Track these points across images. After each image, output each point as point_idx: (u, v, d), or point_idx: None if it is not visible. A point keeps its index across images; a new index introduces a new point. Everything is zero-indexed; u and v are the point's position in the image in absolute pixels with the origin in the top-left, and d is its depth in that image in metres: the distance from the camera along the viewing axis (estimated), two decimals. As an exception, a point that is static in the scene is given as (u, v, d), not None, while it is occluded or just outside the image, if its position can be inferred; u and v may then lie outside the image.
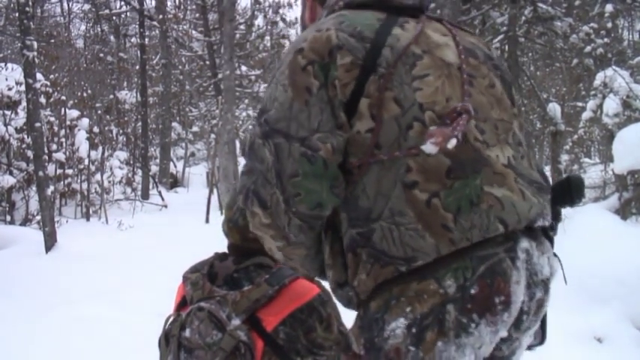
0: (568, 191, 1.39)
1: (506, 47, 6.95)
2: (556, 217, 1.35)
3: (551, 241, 1.35)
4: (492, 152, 1.21)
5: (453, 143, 1.13)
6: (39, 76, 8.06)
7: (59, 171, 9.18)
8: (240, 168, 1.43)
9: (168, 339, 1.60)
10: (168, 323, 1.64)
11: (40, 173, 6.63)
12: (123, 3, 16.85)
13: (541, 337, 1.38)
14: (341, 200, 1.22)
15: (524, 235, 1.20)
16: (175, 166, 15.14)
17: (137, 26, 16.05)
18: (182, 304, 1.72)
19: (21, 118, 8.58)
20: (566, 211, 4.73)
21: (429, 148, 1.14)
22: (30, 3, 6.99)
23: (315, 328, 1.58)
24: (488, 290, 1.15)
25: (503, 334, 1.20)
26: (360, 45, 1.22)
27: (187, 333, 1.55)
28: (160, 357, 1.66)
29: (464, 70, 1.25)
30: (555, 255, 1.36)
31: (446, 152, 1.15)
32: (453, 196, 1.16)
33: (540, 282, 1.24)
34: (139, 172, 13.07)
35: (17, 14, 7.39)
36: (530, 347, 1.38)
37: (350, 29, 1.24)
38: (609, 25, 8.97)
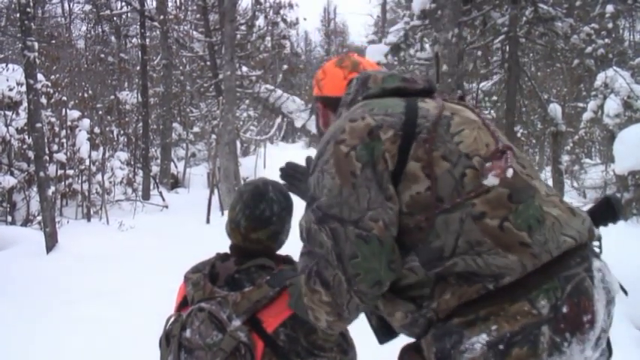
0: (611, 210, 1.44)
1: (507, 48, 6.94)
2: (598, 238, 1.41)
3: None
4: (536, 182, 1.34)
5: (510, 173, 1.26)
6: (40, 76, 8.07)
7: (60, 171, 9.18)
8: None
9: (169, 339, 1.61)
10: (169, 323, 1.64)
11: (41, 174, 6.63)
12: (124, 3, 16.85)
13: (608, 352, 1.37)
14: (398, 274, 1.31)
15: (593, 255, 1.30)
16: (176, 167, 15.14)
17: (138, 27, 16.05)
18: (183, 304, 1.72)
19: (22, 118, 8.58)
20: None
21: (491, 180, 1.27)
22: (31, 4, 6.99)
23: (315, 329, 1.57)
24: (577, 309, 1.21)
25: (589, 353, 1.24)
26: (396, 119, 1.36)
27: (188, 333, 1.56)
28: (160, 357, 1.66)
29: (488, 124, 1.41)
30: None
31: (503, 183, 1.26)
32: (522, 217, 1.26)
33: (612, 299, 1.30)
34: (140, 172, 13.07)
35: (18, 15, 7.39)
36: None
37: (382, 111, 1.39)
38: (610, 25, 8.96)
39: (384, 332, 1.50)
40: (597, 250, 1.39)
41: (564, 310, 1.20)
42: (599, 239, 1.42)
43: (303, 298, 1.38)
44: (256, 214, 1.71)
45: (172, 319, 1.65)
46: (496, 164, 1.29)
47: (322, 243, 1.33)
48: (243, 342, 1.51)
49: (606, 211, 1.45)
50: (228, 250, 1.80)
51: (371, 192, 1.31)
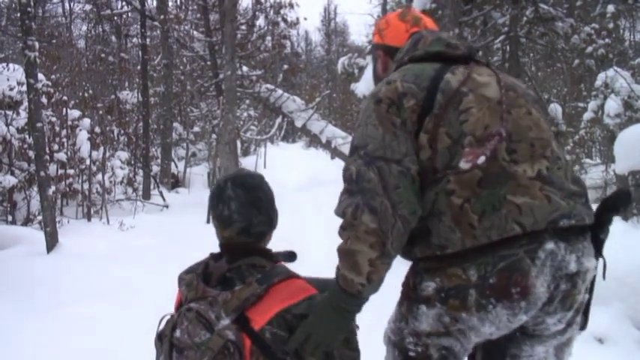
0: (615, 201, 1.65)
1: (508, 48, 6.94)
2: (603, 223, 1.64)
3: (598, 241, 1.64)
4: (520, 167, 1.56)
5: (482, 160, 1.52)
6: (40, 76, 8.07)
7: (60, 171, 9.18)
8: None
9: (162, 339, 1.64)
10: (163, 324, 1.67)
11: (42, 173, 6.64)
12: (124, 3, 16.85)
13: (583, 324, 1.74)
14: (421, 213, 1.61)
15: (554, 237, 1.52)
16: (176, 167, 15.14)
17: (138, 26, 16.04)
18: (180, 305, 1.73)
19: (22, 118, 8.58)
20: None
21: (463, 165, 1.54)
22: (32, 3, 6.99)
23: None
24: (506, 282, 1.51)
25: (523, 317, 1.55)
26: (419, 91, 1.63)
27: (178, 333, 1.59)
28: (155, 356, 1.68)
29: (503, 102, 1.61)
30: (601, 256, 1.67)
31: (478, 167, 1.53)
32: (480, 202, 1.53)
33: (565, 276, 1.54)
34: (140, 172, 13.06)
35: (19, 14, 7.39)
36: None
37: (412, 79, 1.66)
38: (611, 25, 8.96)
39: None
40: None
41: (491, 280, 1.52)
42: (605, 223, 1.64)
43: (347, 242, 1.56)
44: (217, 214, 1.76)
45: (165, 319, 1.68)
46: (472, 150, 1.54)
47: (370, 179, 1.57)
48: (231, 340, 1.51)
49: (613, 202, 1.65)
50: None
51: (408, 142, 1.60)
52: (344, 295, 1.59)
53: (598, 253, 1.65)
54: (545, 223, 1.51)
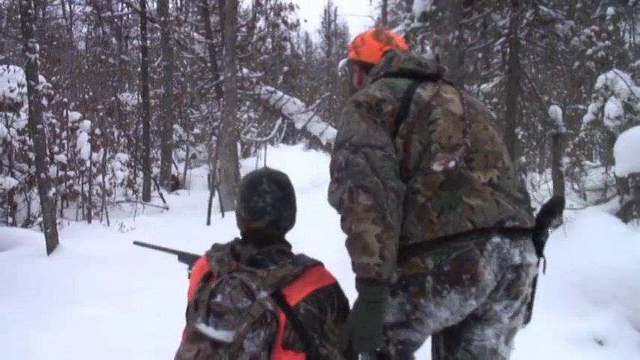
0: (552, 207, 1.93)
1: (508, 50, 6.95)
2: (543, 226, 1.90)
3: (539, 243, 1.88)
4: (475, 174, 1.80)
5: (452, 164, 1.76)
6: (41, 78, 8.07)
7: (61, 173, 9.18)
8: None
9: (198, 304, 1.72)
10: (196, 292, 1.76)
11: (42, 175, 6.64)
12: (125, 5, 16.86)
13: (527, 318, 1.93)
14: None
15: (499, 234, 1.75)
16: (177, 168, 15.14)
17: (139, 28, 16.06)
18: (206, 277, 1.83)
19: (23, 120, 8.58)
20: (567, 214, 4.71)
21: (436, 167, 1.77)
22: (32, 5, 7.00)
23: (327, 312, 1.76)
24: (458, 269, 1.73)
25: (473, 302, 1.76)
26: (395, 100, 1.86)
27: (218, 298, 1.68)
28: (186, 324, 1.79)
29: (466, 118, 1.86)
30: (542, 255, 1.90)
31: (444, 171, 1.76)
32: (440, 202, 1.76)
33: (510, 266, 1.77)
34: (141, 174, 13.06)
35: (19, 16, 7.40)
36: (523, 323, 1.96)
37: (388, 90, 1.89)
38: (611, 27, 8.96)
39: None
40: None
41: (445, 268, 1.73)
42: (545, 226, 1.91)
43: (352, 228, 1.70)
44: (251, 206, 1.88)
45: (199, 288, 1.77)
46: (444, 155, 1.77)
47: (358, 164, 1.74)
48: (270, 311, 1.65)
49: (550, 208, 1.93)
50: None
51: (387, 136, 1.82)
52: (366, 287, 1.71)
53: (539, 252, 1.89)
54: (493, 222, 1.75)
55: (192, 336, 1.68)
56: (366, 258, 1.67)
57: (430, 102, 1.87)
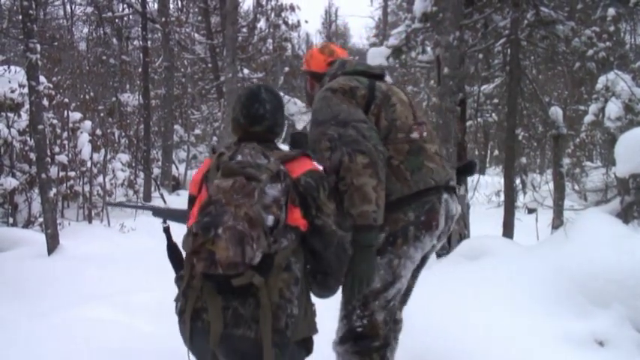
0: (465, 169, 2.63)
1: (509, 51, 6.95)
2: (460, 182, 2.54)
3: (456, 194, 2.49)
4: (427, 145, 2.40)
5: (425, 134, 2.40)
6: (42, 78, 8.07)
7: (62, 173, 9.19)
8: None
9: (219, 165, 1.95)
10: (216, 157, 2.01)
11: (43, 175, 6.64)
12: (125, 6, 16.87)
13: (448, 249, 3.37)
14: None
15: (446, 190, 2.37)
16: (177, 169, 15.16)
17: (140, 29, 16.07)
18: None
19: (24, 120, 8.59)
20: (568, 215, 4.71)
21: (415, 135, 2.38)
22: (33, 6, 7.00)
23: (320, 189, 2.01)
24: (430, 219, 2.31)
25: (435, 242, 2.41)
26: (364, 87, 2.39)
27: (239, 157, 1.96)
28: (197, 192, 2.05)
29: (412, 105, 2.49)
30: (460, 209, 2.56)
31: (410, 141, 2.35)
32: (410, 164, 2.32)
33: (451, 216, 2.43)
34: (141, 174, 13.08)
35: (20, 17, 7.41)
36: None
37: (357, 81, 2.41)
38: (611, 28, 8.97)
39: None
40: (458, 185, 2.51)
41: (422, 218, 2.30)
42: (461, 183, 2.56)
43: (353, 182, 2.11)
44: (252, 112, 2.12)
45: (217, 155, 2.02)
46: (419, 127, 2.40)
47: (350, 135, 2.16)
48: (283, 170, 1.93)
49: (466, 169, 2.65)
50: None
51: (363, 114, 2.31)
52: (365, 233, 2.13)
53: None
54: (443, 181, 2.37)
55: (226, 171, 1.90)
56: (365, 206, 2.10)
57: (387, 91, 2.43)
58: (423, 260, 2.51)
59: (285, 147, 2.20)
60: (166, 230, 2.37)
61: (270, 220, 1.85)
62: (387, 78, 2.66)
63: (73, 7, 19.79)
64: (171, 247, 2.26)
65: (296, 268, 1.94)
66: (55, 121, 9.48)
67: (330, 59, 2.67)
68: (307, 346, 2.02)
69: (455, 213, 2.45)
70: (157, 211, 2.74)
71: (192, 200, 2.10)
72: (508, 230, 6.27)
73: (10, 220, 8.33)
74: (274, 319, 1.86)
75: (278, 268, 1.88)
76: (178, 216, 2.51)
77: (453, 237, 5.80)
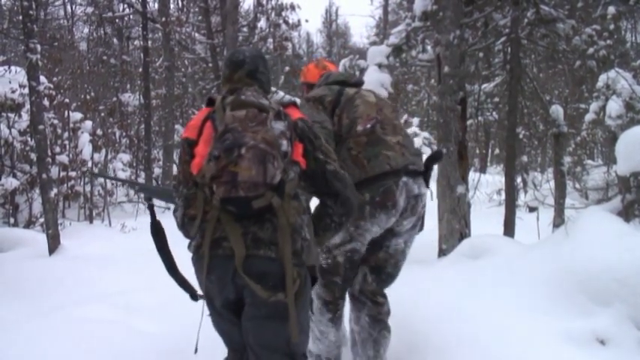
0: (433, 157, 3.02)
1: (509, 49, 6.93)
2: (428, 169, 2.95)
3: (426, 179, 2.94)
4: (388, 137, 2.86)
5: (367, 127, 2.84)
6: (42, 78, 8.09)
7: (62, 173, 9.21)
8: None
9: (224, 106, 2.05)
10: (219, 102, 2.10)
11: (44, 176, 6.65)
12: (126, 6, 16.87)
13: (421, 227, 3.03)
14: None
15: (406, 174, 2.80)
16: (178, 169, 15.15)
17: (140, 29, 16.07)
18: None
19: (24, 120, 8.60)
20: (569, 213, 4.71)
21: (359, 128, 2.84)
22: (34, 6, 7.01)
23: (313, 138, 2.19)
24: (384, 199, 2.74)
25: (393, 219, 2.83)
26: (332, 94, 2.96)
27: (243, 96, 2.08)
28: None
29: (378, 105, 2.98)
30: (428, 187, 3.02)
31: (365, 133, 2.83)
32: (367, 153, 2.78)
33: (413, 196, 2.84)
34: (142, 174, 13.09)
35: (21, 17, 7.41)
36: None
37: (328, 91, 3.00)
38: (612, 27, 8.94)
39: None
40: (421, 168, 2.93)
41: (377, 199, 2.73)
42: (429, 170, 2.96)
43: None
44: (232, 60, 2.30)
45: (221, 98, 2.12)
46: (363, 121, 2.85)
47: (318, 132, 2.34)
48: (282, 111, 2.09)
49: (435, 157, 3.04)
50: None
51: (326, 116, 2.87)
52: None
53: (427, 186, 2.96)
54: (401, 166, 2.78)
55: (237, 103, 2.04)
56: None
57: (354, 95, 2.98)
58: (391, 233, 2.91)
59: None
60: (150, 207, 2.50)
61: (284, 144, 2.01)
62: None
63: (74, 7, 19.84)
64: (155, 225, 2.40)
65: (303, 199, 2.11)
66: (55, 122, 9.49)
67: (322, 72, 3.31)
68: (314, 274, 2.19)
69: (418, 192, 2.86)
70: (142, 188, 2.95)
71: (190, 144, 2.14)
72: (509, 229, 6.26)
73: (11, 220, 8.34)
74: (292, 242, 1.98)
75: (288, 197, 2.00)
76: (163, 194, 2.63)
77: (453, 235, 5.81)
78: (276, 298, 1.95)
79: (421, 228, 3.03)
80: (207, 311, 2.19)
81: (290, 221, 1.98)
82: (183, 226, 2.15)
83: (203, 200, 2.00)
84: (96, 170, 9.81)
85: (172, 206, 2.38)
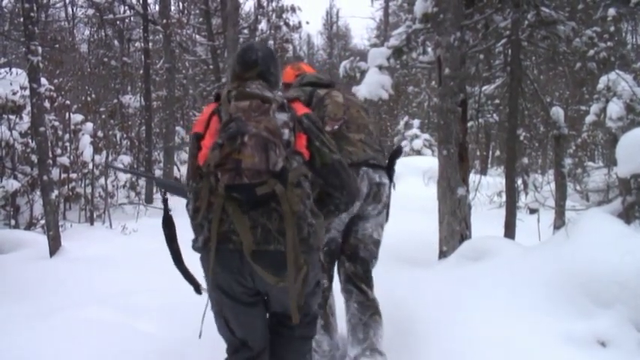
0: (395, 153, 3.33)
1: (509, 51, 6.94)
2: (391, 165, 3.29)
3: (389, 174, 3.28)
4: (352, 134, 3.17)
5: (335, 128, 3.12)
6: (43, 80, 8.10)
7: (63, 175, 9.22)
8: None
9: (230, 97, 2.13)
10: (225, 95, 2.17)
11: (45, 177, 6.65)
12: (127, 8, 16.89)
13: (387, 217, 3.34)
14: None
15: (367, 166, 3.12)
16: (179, 170, 15.16)
17: (141, 31, 16.08)
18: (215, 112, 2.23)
19: (25, 122, 8.61)
20: (569, 215, 4.72)
21: (328, 128, 3.05)
22: (34, 8, 7.02)
23: (318, 131, 2.28)
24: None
25: (358, 204, 3.07)
26: (304, 95, 3.23)
27: (247, 89, 2.17)
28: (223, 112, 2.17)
29: (345, 105, 3.26)
30: (392, 181, 3.33)
31: (333, 132, 3.05)
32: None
33: (374, 184, 3.16)
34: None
35: (22, 19, 7.42)
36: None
37: (301, 92, 3.26)
38: (612, 29, 8.95)
39: None
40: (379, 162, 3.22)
41: None
42: (392, 165, 3.30)
43: None
44: (245, 59, 2.36)
45: (227, 92, 2.18)
46: (331, 122, 3.13)
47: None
48: (286, 104, 2.19)
49: (395, 153, 3.34)
50: None
51: None
52: None
53: (391, 180, 3.27)
54: (362, 160, 3.10)
55: (241, 94, 2.13)
56: None
57: (324, 96, 3.25)
58: (357, 217, 3.22)
59: None
60: (165, 201, 2.59)
61: (286, 133, 2.09)
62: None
63: (75, 9, 19.83)
64: (167, 220, 2.49)
65: (306, 185, 2.17)
66: (56, 123, 9.50)
67: (297, 73, 3.60)
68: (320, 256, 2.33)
69: (379, 181, 3.17)
70: (159, 182, 3.07)
71: (198, 138, 2.21)
72: (510, 231, 6.26)
73: (12, 222, 8.35)
74: (297, 229, 2.05)
75: (291, 185, 2.06)
76: (178, 189, 2.75)
77: (454, 237, 5.81)
78: (285, 284, 2.03)
79: (387, 217, 3.33)
80: (209, 306, 2.24)
81: (294, 209, 2.04)
82: (195, 219, 2.21)
83: (208, 190, 2.05)
84: (97, 172, 9.81)
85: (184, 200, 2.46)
